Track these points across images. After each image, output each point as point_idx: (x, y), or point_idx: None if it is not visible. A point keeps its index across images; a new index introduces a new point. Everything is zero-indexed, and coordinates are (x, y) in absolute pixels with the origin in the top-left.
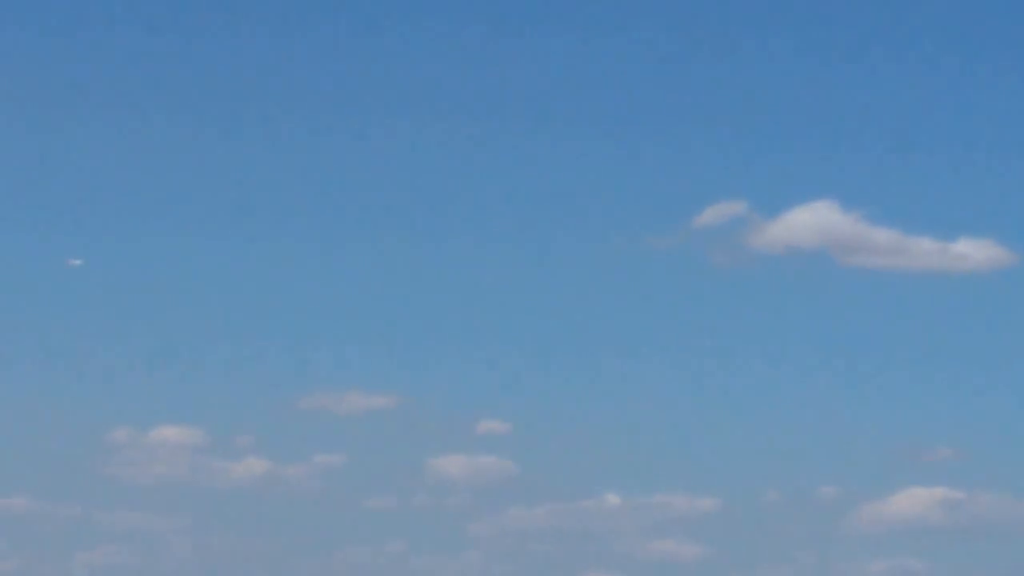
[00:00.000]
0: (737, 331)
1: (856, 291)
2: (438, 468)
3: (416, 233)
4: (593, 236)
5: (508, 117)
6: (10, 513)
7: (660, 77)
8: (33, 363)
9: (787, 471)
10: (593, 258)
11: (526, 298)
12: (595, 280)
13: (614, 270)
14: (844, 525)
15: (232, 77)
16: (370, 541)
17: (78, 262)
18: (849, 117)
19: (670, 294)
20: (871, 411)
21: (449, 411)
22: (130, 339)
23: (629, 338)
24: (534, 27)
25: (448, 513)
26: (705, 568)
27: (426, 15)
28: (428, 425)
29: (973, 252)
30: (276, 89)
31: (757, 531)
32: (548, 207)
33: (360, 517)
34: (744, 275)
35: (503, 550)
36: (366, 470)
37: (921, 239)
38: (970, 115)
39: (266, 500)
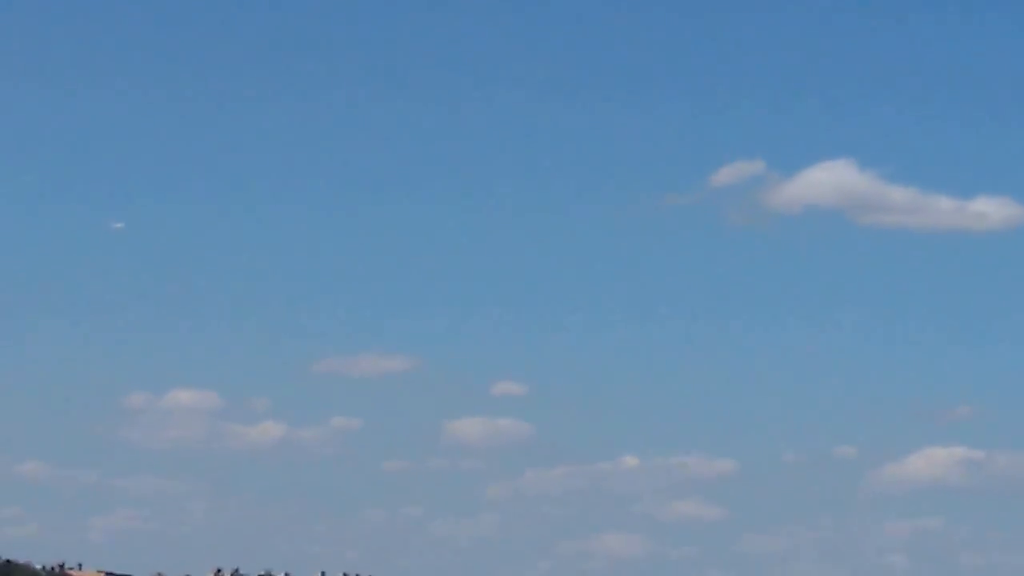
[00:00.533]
0: (754, 291)
1: (873, 250)
2: (454, 431)
3: (432, 195)
4: (611, 196)
5: (526, 80)
6: (27, 478)
7: (678, 39)
8: (49, 329)
9: (805, 432)
10: (610, 218)
11: (542, 259)
12: (612, 240)
13: (631, 230)
14: (862, 485)
15: (257, 45)
16: (387, 504)
17: (120, 225)
18: (867, 77)
19: (688, 254)
20: (889, 371)
21: (465, 373)
22: (146, 304)
23: (646, 298)
24: None
25: (464, 475)
26: (723, 529)
27: None
28: (444, 388)
29: (991, 210)
30: (299, 58)
31: (774, 492)
32: (566, 168)
33: (376, 480)
34: (761, 234)
35: (520, 512)
36: (382, 433)
37: (939, 197)
38: (988, 75)
39: (282, 463)
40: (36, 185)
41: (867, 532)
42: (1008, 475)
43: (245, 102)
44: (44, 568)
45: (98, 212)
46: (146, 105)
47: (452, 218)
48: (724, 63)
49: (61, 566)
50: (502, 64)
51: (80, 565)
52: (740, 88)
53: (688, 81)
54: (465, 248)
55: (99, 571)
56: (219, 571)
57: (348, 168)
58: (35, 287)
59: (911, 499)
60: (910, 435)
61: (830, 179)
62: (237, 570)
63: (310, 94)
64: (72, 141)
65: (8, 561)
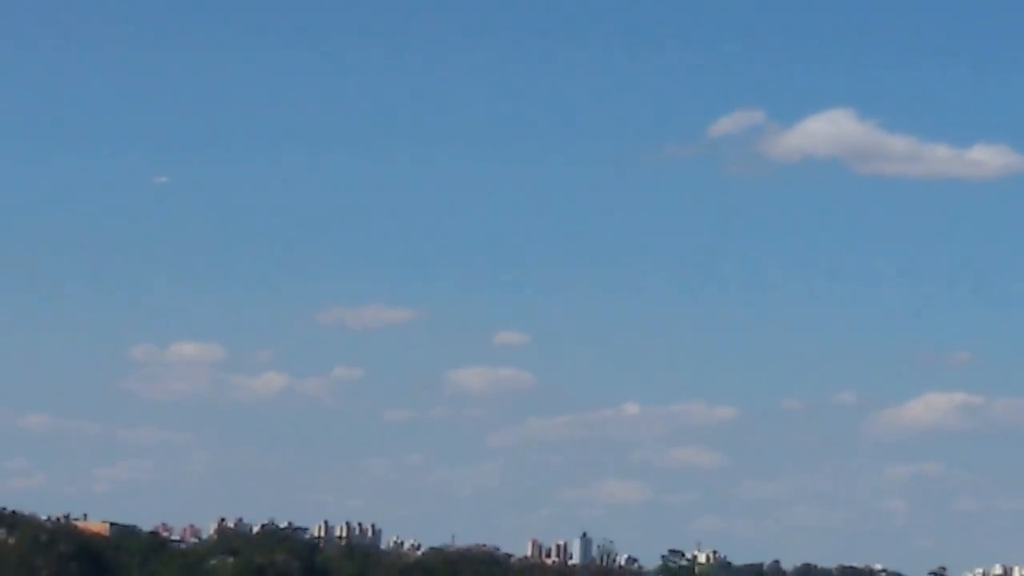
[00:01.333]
0: (754, 240)
1: (872, 198)
2: (456, 380)
3: (432, 146)
4: (610, 146)
5: (523, 31)
6: (31, 430)
7: None
8: (51, 282)
9: (805, 378)
10: (610, 168)
11: (542, 209)
12: (611, 190)
13: (633, 180)
14: (861, 431)
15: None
16: (389, 453)
17: (163, 180)
18: (867, 28)
19: (689, 203)
20: (888, 317)
21: (466, 323)
22: (148, 257)
23: (647, 248)
24: None
25: (466, 424)
26: (724, 475)
27: None
28: (445, 337)
29: (989, 158)
30: (316, 23)
31: (775, 438)
32: (566, 118)
33: (379, 429)
34: (761, 184)
35: (522, 460)
36: (384, 383)
37: (937, 146)
38: (985, 23)
39: (285, 414)
40: (52, 138)
41: (866, 477)
42: (1006, 420)
43: (255, 59)
44: (49, 519)
45: (137, 166)
46: (152, 59)
47: (453, 171)
48: (724, 14)
49: (66, 517)
50: (499, 15)
51: (85, 516)
52: (740, 39)
53: (687, 32)
54: (466, 200)
55: (104, 521)
56: (223, 520)
57: (352, 124)
58: (36, 243)
59: (910, 444)
60: (910, 381)
61: (829, 129)
62: (241, 519)
63: (322, 50)
64: (83, 94)
65: (13, 512)
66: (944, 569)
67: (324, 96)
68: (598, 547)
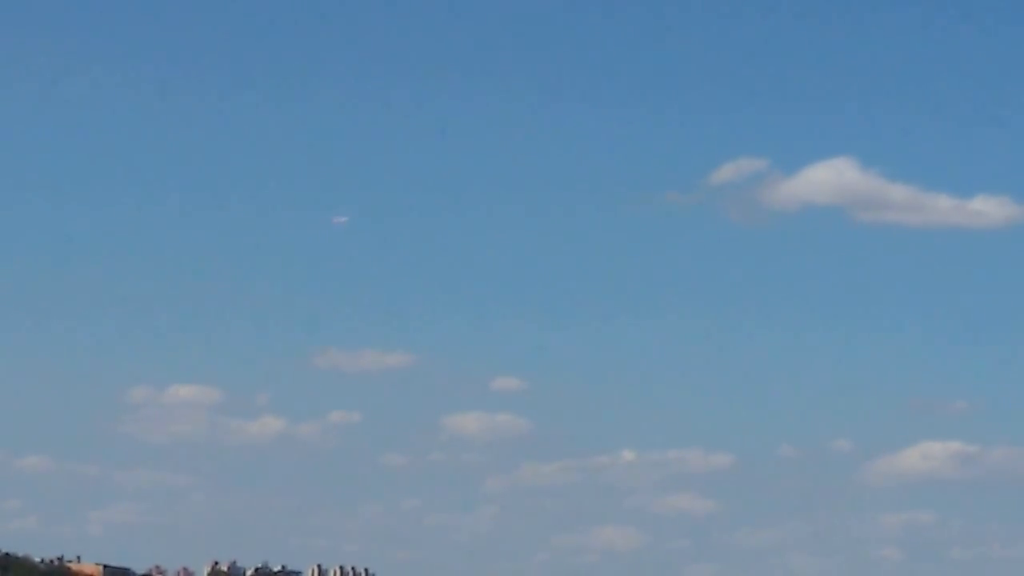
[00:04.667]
0: (753, 288)
1: (872, 247)
2: (453, 425)
3: (433, 194)
4: (612, 193)
5: (527, 79)
6: (28, 471)
7: (683, 38)
8: (51, 325)
9: (801, 426)
10: (611, 215)
11: (542, 255)
12: (612, 237)
13: (632, 227)
14: (858, 479)
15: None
16: (385, 498)
17: (343, 219)
18: (870, 77)
19: (688, 251)
20: (886, 366)
21: (463, 369)
22: (146, 300)
23: (645, 295)
24: None
25: (463, 470)
26: (719, 522)
27: None
28: (443, 383)
29: (989, 209)
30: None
31: (771, 486)
32: (567, 166)
33: (375, 474)
34: (761, 232)
35: (517, 506)
36: (381, 428)
37: (938, 196)
38: (988, 75)
39: (281, 457)
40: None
41: (861, 525)
42: (1002, 469)
43: (253, 104)
44: (43, 561)
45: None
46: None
47: (453, 217)
48: (728, 63)
49: (60, 559)
50: (503, 63)
51: (79, 558)
52: (744, 87)
53: (691, 80)
54: (465, 246)
55: (97, 564)
56: (216, 564)
57: (350, 168)
58: (35, 285)
59: (906, 492)
60: (906, 429)
61: (830, 177)
62: (234, 563)
63: (312, 91)
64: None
65: (7, 554)
66: None
67: (312, 147)
68: None
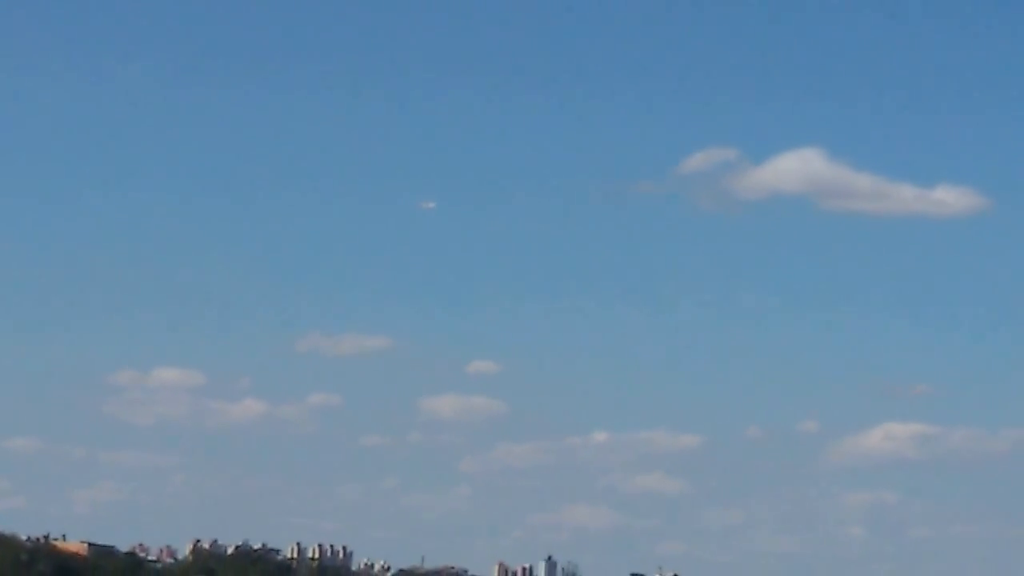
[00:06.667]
0: (722, 274)
1: (838, 235)
2: (430, 407)
3: (407, 181)
4: (583, 181)
5: (498, 68)
6: (16, 453)
7: (653, 27)
8: (37, 309)
9: (768, 408)
10: (583, 203)
11: (516, 243)
12: (584, 224)
13: (603, 214)
14: (823, 460)
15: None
16: (364, 478)
17: (431, 205)
18: (838, 69)
19: (658, 238)
20: (851, 350)
21: (441, 352)
22: (131, 283)
23: (616, 281)
24: None
25: (440, 450)
26: (688, 501)
27: None
28: (420, 366)
29: (952, 198)
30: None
31: (738, 466)
32: (539, 153)
33: (354, 455)
34: (730, 220)
35: (492, 485)
36: (360, 410)
37: (902, 185)
38: (953, 69)
39: (263, 439)
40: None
41: (826, 504)
42: (962, 450)
43: (227, 90)
44: (29, 539)
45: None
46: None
47: (429, 203)
48: (699, 54)
49: (46, 537)
50: (472, 54)
51: (64, 536)
52: (715, 78)
53: (662, 70)
54: (442, 234)
55: (82, 542)
56: (198, 542)
57: (332, 158)
58: (21, 270)
59: (869, 473)
60: (870, 411)
61: (798, 166)
62: (215, 541)
63: (306, 86)
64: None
65: None
66: None
67: (291, 132)
68: (563, 570)
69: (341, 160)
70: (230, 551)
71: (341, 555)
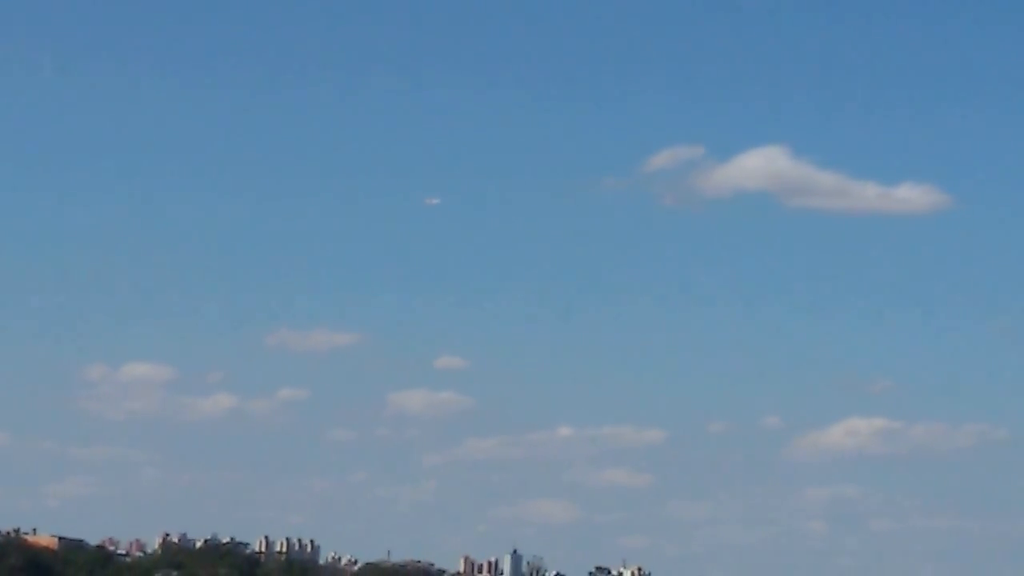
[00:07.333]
0: (686, 270)
1: (801, 232)
2: (398, 402)
3: (378, 179)
4: (549, 178)
5: (464, 66)
6: None
7: (620, 25)
8: (9, 305)
9: (731, 403)
10: (549, 199)
11: (483, 240)
12: (550, 221)
13: (569, 211)
14: (785, 454)
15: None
16: (333, 472)
17: (436, 201)
18: (803, 68)
19: (623, 234)
20: (814, 345)
21: (409, 348)
22: (102, 280)
23: (582, 277)
24: None
25: (407, 445)
26: (651, 496)
27: None
28: (388, 361)
29: (914, 196)
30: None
31: (702, 461)
32: (506, 150)
33: (323, 449)
34: (694, 216)
35: (458, 479)
36: (329, 404)
37: (865, 183)
38: (913, 67)
39: (232, 433)
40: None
41: (788, 499)
42: (923, 444)
43: (200, 88)
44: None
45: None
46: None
47: (397, 202)
48: (666, 53)
49: (16, 531)
50: (438, 52)
51: (35, 530)
52: (681, 77)
53: (629, 68)
54: (411, 231)
55: (53, 536)
56: (167, 536)
57: (304, 156)
58: None
59: (831, 467)
60: (833, 406)
61: (762, 164)
62: (185, 534)
63: (292, 85)
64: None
65: None
66: None
67: (260, 131)
68: (528, 563)
69: (310, 159)
70: (199, 545)
71: (309, 549)
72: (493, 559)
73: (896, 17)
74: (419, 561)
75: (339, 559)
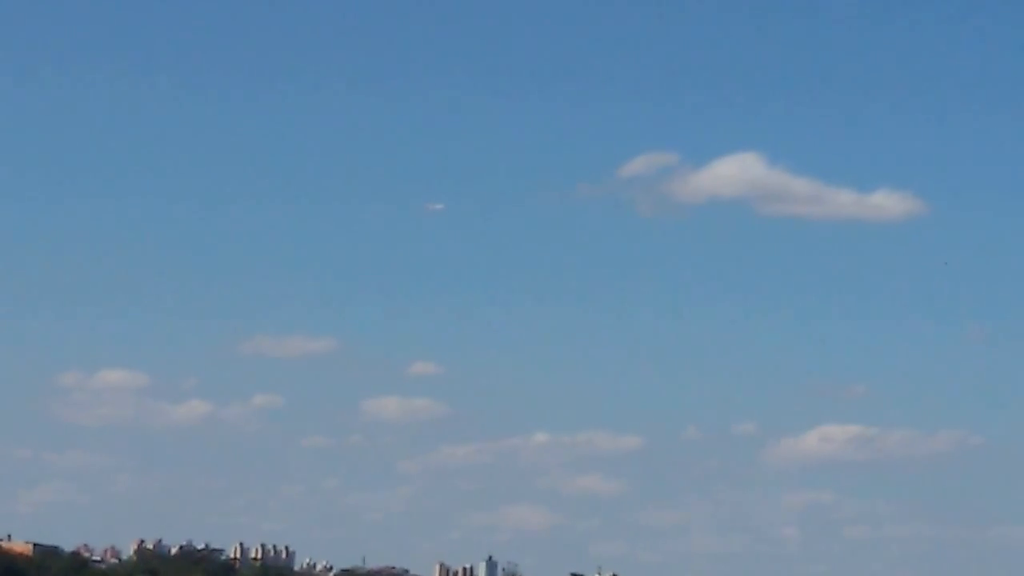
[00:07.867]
0: (661, 277)
1: (776, 238)
2: (372, 408)
3: (352, 186)
4: (524, 184)
5: (439, 71)
6: None
7: (596, 32)
8: None
9: (706, 410)
10: (523, 205)
11: (456, 245)
12: (524, 227)
13: (544, 217)
14: (760, 461)
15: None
16: (306, 478)
17: (439, 206)
18: (778, 75)
19: (598, 240)
20: (789, 352)
21: (383, 354)
22: (76, 285)
23: (557, 283)
24: None
25: (381, 451)
26: (626, 502)
27: None
28: (362, 368)
29: (889, 203)
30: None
31: (677, 467)
32: (481, 156)
33: (297, 455)
34: (669, 223)
35: (433, 486)
36: (303, 411)
37: (840, 190)
38: (889, 75)
39: (206, 440)
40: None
41: (763, 505)
42: (897, 451)
43: (181, 96)
44: None
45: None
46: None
47: (373, 209)
48: (641, 60)
49: None
50: (414, 57)
51: (9, 536)
52: (656, 83)
53: (605, 75)
54: (385, 237)
55: (27, 542)
56: (142, 542)
57: (280, 163)
58: None
59: (806, 474)
60: (808, 413)
61: (737, 171)
62: (160, 541)
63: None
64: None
65: None
66: None
67: (237, 139)
68: (503, 570)
69: (281, 168)
70: (174, 551)
71: (284, 555)
72: (468, 565)
73: (871, 25)
74: (394, 567)
75: (314, 565)
